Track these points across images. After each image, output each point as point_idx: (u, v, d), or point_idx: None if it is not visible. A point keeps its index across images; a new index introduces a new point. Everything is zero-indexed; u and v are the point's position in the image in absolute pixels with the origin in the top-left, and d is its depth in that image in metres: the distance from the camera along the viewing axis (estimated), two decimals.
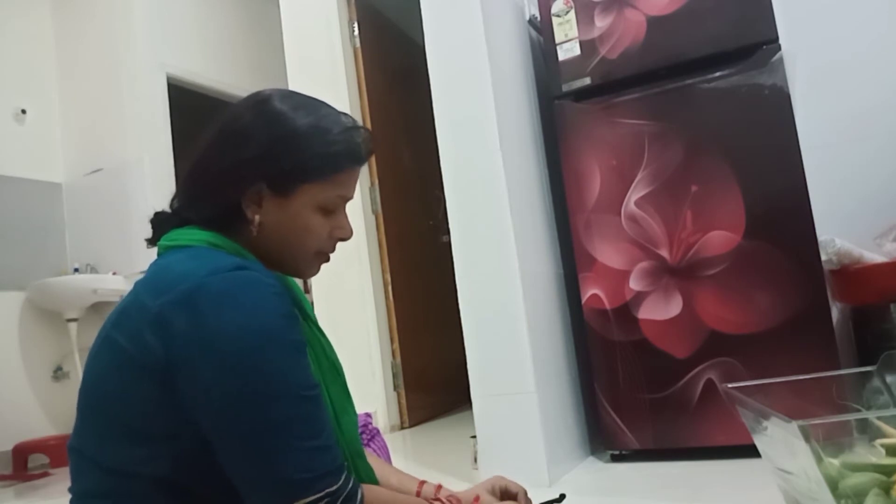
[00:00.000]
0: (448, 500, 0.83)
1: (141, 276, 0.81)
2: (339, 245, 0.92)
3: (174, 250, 0.81)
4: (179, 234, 0.82)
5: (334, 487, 0.69)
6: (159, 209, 0.88)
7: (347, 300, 2.99)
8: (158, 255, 0.84)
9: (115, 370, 0.75)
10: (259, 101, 0.83)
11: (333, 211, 0.86)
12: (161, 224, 0.86)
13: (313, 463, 0.69)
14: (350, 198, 0.88)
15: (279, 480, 0.67)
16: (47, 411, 3.43)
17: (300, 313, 0.88)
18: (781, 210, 1.87)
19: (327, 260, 0.90)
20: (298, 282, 0.99)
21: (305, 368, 0.74)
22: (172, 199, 0.88)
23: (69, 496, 0.81)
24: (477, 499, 0.94)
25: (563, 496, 1.35)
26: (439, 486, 0.99)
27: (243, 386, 0.68)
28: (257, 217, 0.81)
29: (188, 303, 0.71)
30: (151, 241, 0.86)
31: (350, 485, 0.71)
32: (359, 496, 0.72)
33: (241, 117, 0.82)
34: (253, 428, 0.68)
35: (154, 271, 0.79)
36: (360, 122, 3.10)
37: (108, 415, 0.76)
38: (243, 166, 0.80)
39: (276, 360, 0.70)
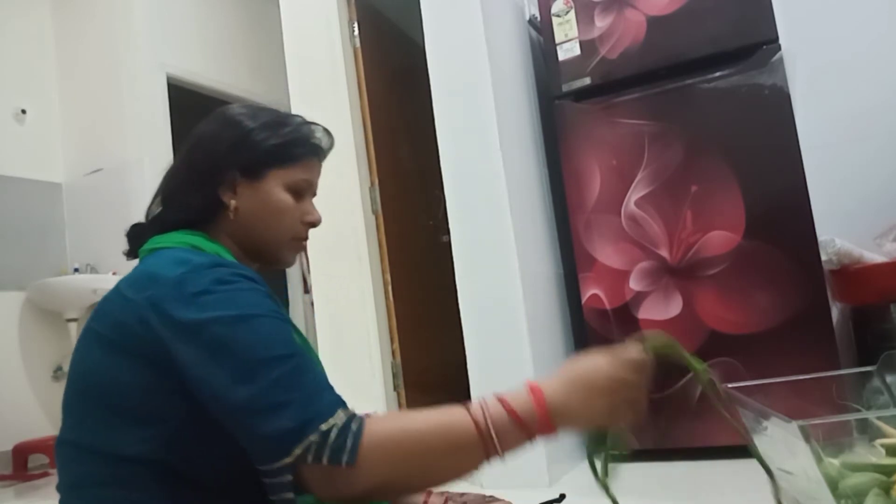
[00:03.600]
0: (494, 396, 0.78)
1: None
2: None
3: (156, 252, 0.84)
4: (161, 239, 0.86)
5: (328, 423, 0.69)
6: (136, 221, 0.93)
7: (347, 300, 2.99)
8: (140, 260, 0.88)
9: (103, 359, 0.78)
10: (221, 112, 0.94)
11: (302, 195, 0.93)
12: (139, 235, 0.91)
13: (304, 409, 0.69)
14: (314, 187, 0.96)
15: (276, 435, 0.68)
16: (47, 411, 3.43)
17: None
18: (781, 210, 1.87)
19: (302, 248, 0.97)
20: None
21: (285, 331, 0.76)
22: (149, 207, 0.93)
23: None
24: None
25: (563, 496, 1.35)
26: (446, 499, 0.99)
27: (224, 358, 0.71)
28: (233, 202, 0.88)
29: (172, 294, 0.75)
30: (130, 254, 0.92)
31: (343, 418, 0.70)
32: (353, 428, 0.69)
33: (209, 125, 0.93)
34: (242, 395, 0.70)
35: (136, 271, 0.83)
36: (359, 122, 3.05)
37: (101, 401, 0.78)
38: (217, 160, 0.88)
39: (253, 329, 0.73)
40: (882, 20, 2.26)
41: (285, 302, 4.36)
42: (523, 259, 1.94)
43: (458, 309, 1.98)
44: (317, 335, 2.81)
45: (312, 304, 3.11)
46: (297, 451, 0.67)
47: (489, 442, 0.69)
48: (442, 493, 0.99)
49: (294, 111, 2.78)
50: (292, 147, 0.91)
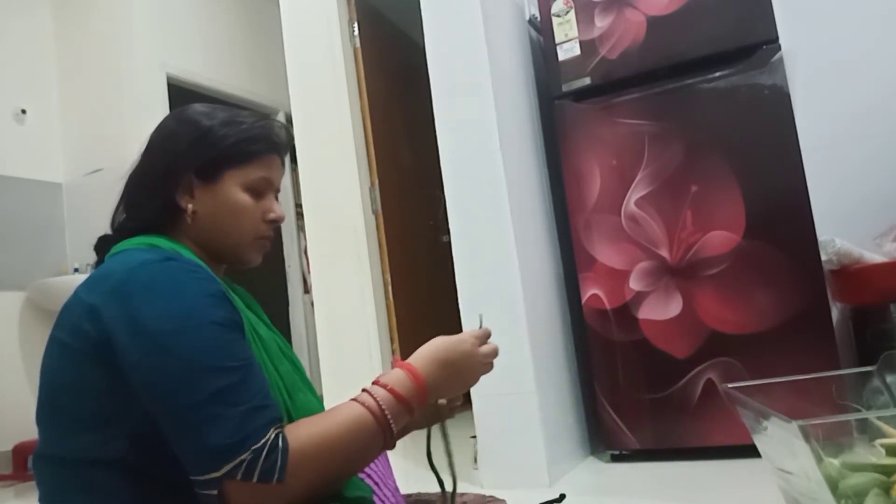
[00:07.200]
0: (377, 383, 0.81)
1: None
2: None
3: (115, 255, 0.86)
4: (122, 244, 0.87)
5: (260, 443, 0.69)
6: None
7: (347, 300, 2.99)
8: None
9: (63, 365, 0.79)
10: (179, 111, 0.93)
11: (262, 194, 0.92)
12: (105, 245, 0.92)
13: (242, 426, 0.70)
14: (276, 184, 0.94)
15: (210, 448, 0.69)
16: None
17: (249, 311, 0.91)
18: (781, 210, 1.87)
19: (267, 246, 0.95)
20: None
21: (233, 342, 0.76)
22: (114, 215, 0.93)
23: None
24: (395, 360, 0.95)
25: (563, 496, 1.35)
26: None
27: (168, 364, 0.72)
28: (191, 206, 0.88)
29: (118, 291, 0.76)
30: (97, 265, 0.92)
31: (273, 436, 0.71)
32: (280, 444, 0.71)
33: (165, 126, 0.92)
34: (182, 402, 0.71)
35: (92, 273, 0.84)
36: (359, 122, 3.04)
37: (63, 408, 0.79)
38: (172, 162, 0.88)
39: (199, 337, 0.73)
40: (882, 21, 2.26)
41: (285, 302, 4.35)
42: (523, 259, 1.94)
43: (458, 309, 1.98)
44: (317, 335, 2.82)
45: (312, 304, 3.11)
46: (227, 467, 0.68)
47: (387, 430, 0.78)
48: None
49: (294, 111, 2.79)
50: (249, 144, 0.89)
